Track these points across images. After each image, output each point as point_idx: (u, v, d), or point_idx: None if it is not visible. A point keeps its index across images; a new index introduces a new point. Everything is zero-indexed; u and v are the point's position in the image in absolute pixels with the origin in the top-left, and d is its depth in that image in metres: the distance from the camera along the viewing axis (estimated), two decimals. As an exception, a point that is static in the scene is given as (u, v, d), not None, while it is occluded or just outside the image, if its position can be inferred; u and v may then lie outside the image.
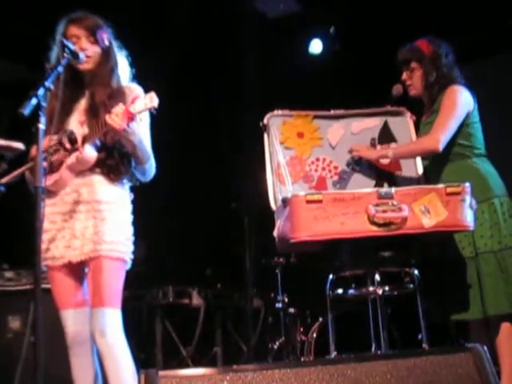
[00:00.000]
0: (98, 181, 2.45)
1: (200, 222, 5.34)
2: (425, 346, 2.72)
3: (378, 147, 3.03)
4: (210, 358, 4.93)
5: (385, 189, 2.54)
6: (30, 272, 3.53)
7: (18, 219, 3.05)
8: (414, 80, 3.02)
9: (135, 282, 2.98)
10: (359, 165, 3.02)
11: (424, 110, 3.07)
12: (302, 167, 3.00)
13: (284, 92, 4.61)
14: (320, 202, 2.43)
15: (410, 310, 2.98)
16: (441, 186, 2.55)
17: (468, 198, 2.51)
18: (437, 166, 2.93)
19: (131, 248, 2.47)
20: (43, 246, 2.30)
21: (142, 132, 2.46)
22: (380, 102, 3.14)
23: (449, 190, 2.50)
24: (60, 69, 2.27)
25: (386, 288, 2.82)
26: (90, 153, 2.41)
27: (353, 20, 5.24)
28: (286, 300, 4.58)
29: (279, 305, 4.56)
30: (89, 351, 2.45)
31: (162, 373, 1.82)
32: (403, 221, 2.45)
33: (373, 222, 2.44)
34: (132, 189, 2.59)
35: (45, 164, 2.17)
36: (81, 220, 2.40)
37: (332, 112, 3.11)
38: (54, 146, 2.42)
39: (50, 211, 2.40)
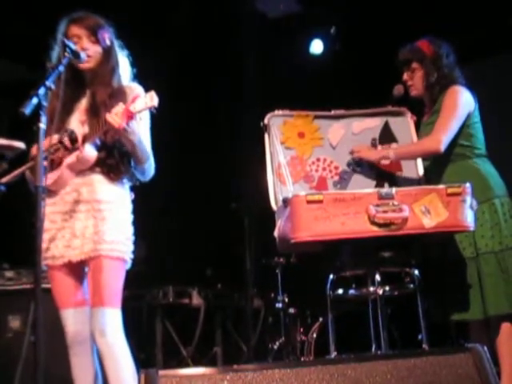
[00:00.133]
0: (98, 180, 2.45)
1: (200, 222, 5.34)
2: (425, 346, 2.71)
3: (379, 147, 3.02)
4: (210, 357, 4.93)
5: (385, 189, 2.54)
6: (30, 271, 3.53)
7: (18, 219, 3.04)
8: (414, 80, 3.02)
9: (135, 281, 2.98)
10: (360, 165, 3.02)
11: (425, 110, 3.07)
12: (302, 167, 3.00)
13: (284, 92, 4.60)
14: (321, 202, 2.43)
15: (410, 310, 2.97)
16: (441, 186, 2.55)
17: (469, 199, 2.51)
18: (437, 166, 2.93)
19: (131, 248, 2.47)
20: (43, 246, 2.29)
21: (141, 132, 2.46)
22: (381, 102, 3.13)
23: (449, 190, 2.50)
24: (61, 68, 2.27)
25: (387, 288, 2.82)
26: (90, 152, 2.41)
27: (353, 20, 5.24)
28: (286, 300, 4.58)
29: (279, 305, 4.56)
30: (89, 351, 2.45)
31: (161, 372, 1.82)
32: (404, 221, 2.45)
33: (373, 223, 2.44)
34: (132, 188, 2.58)
35: (45, 163, 2.17)
36: (81, 219, 2.40)
37: (333, 112, 3.10)
38: (54, 145, 2.42)
39: (50, 210, 2.40)
